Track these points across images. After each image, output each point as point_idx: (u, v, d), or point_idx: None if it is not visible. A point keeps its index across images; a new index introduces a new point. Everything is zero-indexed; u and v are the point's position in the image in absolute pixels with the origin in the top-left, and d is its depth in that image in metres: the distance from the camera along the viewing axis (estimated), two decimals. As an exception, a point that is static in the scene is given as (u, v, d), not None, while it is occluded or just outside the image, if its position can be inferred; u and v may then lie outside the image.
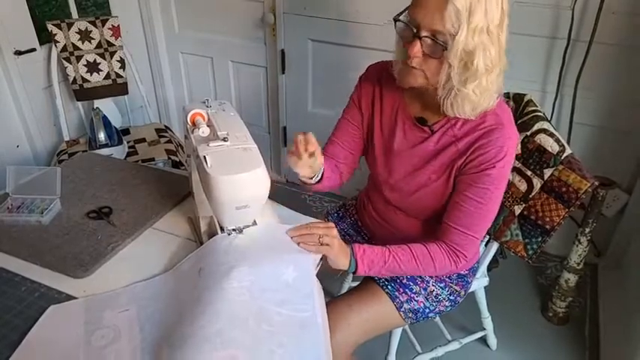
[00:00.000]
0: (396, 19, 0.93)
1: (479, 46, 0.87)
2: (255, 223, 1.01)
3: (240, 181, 0.86)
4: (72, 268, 0.97)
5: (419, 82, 0.94)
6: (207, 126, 1.01)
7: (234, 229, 0.95)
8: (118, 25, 2.05)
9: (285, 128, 2.45)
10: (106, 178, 1.29)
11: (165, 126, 2.26)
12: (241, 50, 2.33)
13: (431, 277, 1.16)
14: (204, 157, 0.89)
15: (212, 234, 1.00)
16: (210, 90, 2.56)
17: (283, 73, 2.28)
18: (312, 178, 1.09)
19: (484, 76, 0.91)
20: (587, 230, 1.60)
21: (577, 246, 1.65)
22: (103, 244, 1.05)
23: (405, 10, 0.92)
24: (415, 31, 0.88)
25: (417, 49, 0.89)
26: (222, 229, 0.96)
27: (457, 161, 1.01)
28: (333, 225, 0.97)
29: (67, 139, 2.04)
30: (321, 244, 0.94)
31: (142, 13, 2.42)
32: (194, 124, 1.03)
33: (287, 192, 2.54)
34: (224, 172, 0.86)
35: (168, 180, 1.29)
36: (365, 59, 2.13)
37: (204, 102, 1.11)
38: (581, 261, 1.67)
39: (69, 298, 0.91)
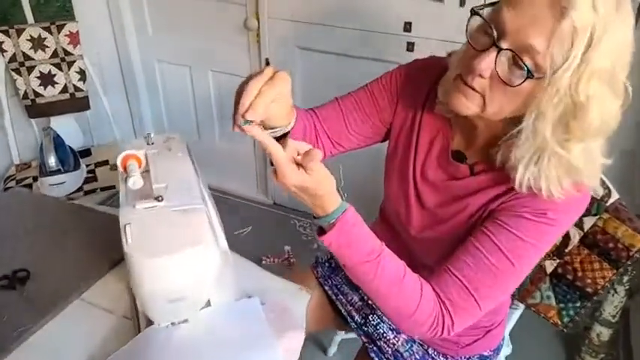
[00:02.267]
0: (475, 12, 0.66)
1: (597, 96, 0.61)
2: (208, 303, 0.74)
3: (170, 266, 0.59)
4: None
5: (470, 108, 0.68)
6: (143, 174, 0.75)
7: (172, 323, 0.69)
8: (77, 32, 1.79)
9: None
10: (31, 226, 1.02)
11: (149, 133, 1.99)
12: (222, 58, 2.10)
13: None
14: (125, 227, 0.62)
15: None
16: (190, 102, 2.30)
17: (269, 84, 2.01)
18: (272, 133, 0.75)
19: (592, 138, 0.65)
20: (626, 279, 1.34)
21: (612, 296, 1.39)
22: (7, 329, 0.79)
23: (492, 4, 0.65)
24: (496, 36, 0.62)
25: (488, 61, 0.62)
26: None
27: (494, 202, 0.76)
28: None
29: (16, 162, 1.78)
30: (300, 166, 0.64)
31: (111, 17, 2.16)
32: (125, 171, 0.77)
33: (274, 216, 2.28)
34: (148, 251, 0.59)
35: (112, 228, 1.02)
36: (361, 70, 1.86)
37: (145, 137, 0.85)
38: (617, 313, 1.41)
39: None
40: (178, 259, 0.59)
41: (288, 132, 0.76)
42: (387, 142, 0.95)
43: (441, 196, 0.84)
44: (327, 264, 1.18)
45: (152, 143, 0.84)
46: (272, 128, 0.74)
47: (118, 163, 0.78)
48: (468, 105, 0.68)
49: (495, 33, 0.62)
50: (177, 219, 0.64)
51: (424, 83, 0.86)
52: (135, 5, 2.15)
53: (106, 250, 0.94)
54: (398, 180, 0.91)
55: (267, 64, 1.99)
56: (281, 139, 0.81)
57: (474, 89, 0.66)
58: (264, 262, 1.98)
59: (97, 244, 0.97)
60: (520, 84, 0.62)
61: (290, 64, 1.93)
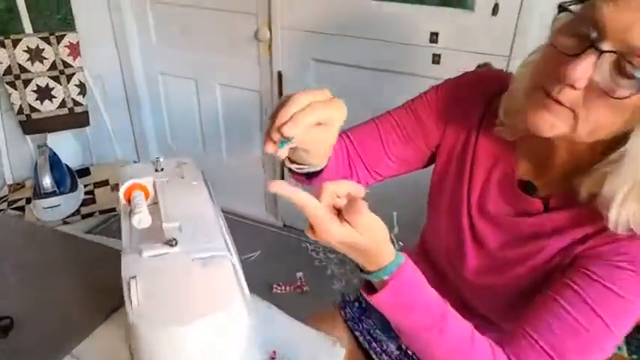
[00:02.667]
0: (564, 7, 0.53)
1: None
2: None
3: (189, 337, 0.45)
4: None
5: (556, 128, 0.55)
6: (150, 207, 0.61)
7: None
8: (77, 42, 1.67)
9: (282, 164, 2.05)
10: (19, 260, 0.88)
11: (158, 158, 1.86)
12: (230, 71, 1.98)
13: None
14: (129, 282, 0.48)
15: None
16: (195, 118, 2.18)
17: (280, 98, 1.89)
18: (300, 168, 0.64)
19: None
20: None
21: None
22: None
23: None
24: (595, 36, 0.49)
25: (584, 67, 0.49)
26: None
27: (577, 248, 0.62)
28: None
29: (9, 182, 1.64)
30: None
31: (114, 28, 2.05)
32: (129, 204, 0.64)
33: (284, 239, 2.13)
34: (160, 319, 0.45)
35: (111, 265, 0.88)
36: (382, 85, 1.70)
37: (154, 162, 0.71)
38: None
39: None
40: (200, 327, 0.45)
41: (319, 170, 0.64)
42: (432, 166, 0.82)
43: (505, 235, 0.70)
44: (356, 303, 1.03)
45: (161, 169, 0.71)
46: (300, 164, 0.62)
47: (121, 194, 0.65)
48: (553, 123, 0.54)
49: (595, 33, 0.49)
50: (197, 272, 0.50)
51: (479, 100, 0.73)
52: (139, 15, 2.05)
53: (103, 294, 0.79)
54: (448, 212, 0.77)
55: (280, 76, 1.88)
56: (311, 177, 0.68)
57: (561, 104, 0.53)
58: (275, 290, 1.83)
59: (91, 285, 0.82)
60: (628, 96, 0.49)
61: (304, 77, 1.81)
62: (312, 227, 0.52)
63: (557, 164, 0.64)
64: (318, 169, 0.65)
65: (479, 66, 1.50)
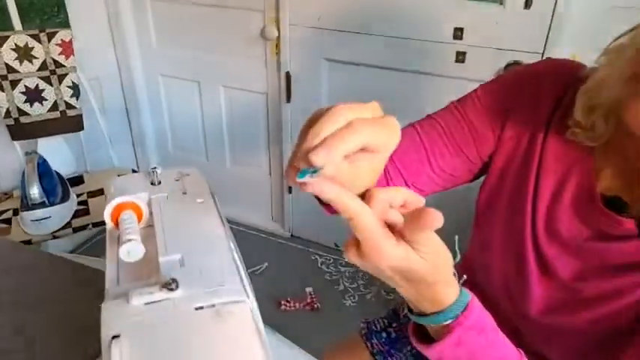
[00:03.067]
0: None
1: None
2: None
3: None
4: None
5: None
6: (146, 229, 0.48)
7: None
8: (70, 40, 1.54)
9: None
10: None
11: (134, 171, 1.74)
12: (235, 73, 1.86)
13: None
14: (110, 343, 0.35)
15: None
16: (198, 122, 2.06)
17: (289, 101, 1.78)
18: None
19: None
20: None
21: None
22: None
23: None
24: None
25: None
26: None
27: None
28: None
29: (-5, 191, 1.51)
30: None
31: (111, 26, 1.94)
32: (117, 227, 0.51)
33: (292, 251, 2.00)
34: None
35: (100, 295, 0.75)
36: (400, 86, 1.54)
37: (150, 172, 0.58)
38: None
39: None
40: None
41: None
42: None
43: (583, 264, 0.57)
44: (384, 333, 0.90)
45: (159, 182, 0.57)
46: None
47: (107, 216, 0.52)
48: None
49: None
50: (205, 326, 0.37)
51: (546, 96, 0.60)
52: (138, 14, 1.93)
53: (84, 333, 0.66)
54: (505, 233, 0.64)
55: (288, 78, 1.75)
56: None
57: None
58: (283, 307, 1.69)
59: (72, 320, 0.69)
60: None
61: (315, 79, 1.68)
62: (356, 245, 0.38)
63: None
64: None
65: (508, 64, 1.38)
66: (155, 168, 0.58)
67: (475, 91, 0.67)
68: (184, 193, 0.55)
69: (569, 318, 0.58)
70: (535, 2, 1.27)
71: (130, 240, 0.46)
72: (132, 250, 0.45)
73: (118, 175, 0.88)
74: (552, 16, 1.26)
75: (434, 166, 0.65)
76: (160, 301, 0.39)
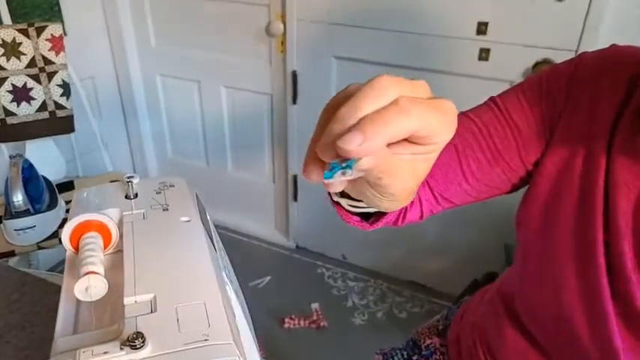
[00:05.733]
0: None
1: None
2: None
3: None
4: None
5: None
6: (113, 256, 0.37)
7: None
8: (61, 35, 1.44)
9: (295, 177, 1.82)
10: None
11: (130, 177, 1.62)
12: (238, 72, 1.76)
13: None
14: None
15: None
16: (198, 124, 1.95)
17: (295, 102, 1.68)
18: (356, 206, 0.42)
19: None
20: None
21: None
22: None
23: None
24: None
25: None
26: None
27: None
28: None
29: (-22, 198, 1.40)
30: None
31: (107, 22, 1.85)
32: (77, 253, 0.39)
33: (297, 263, 1.88)
34: None
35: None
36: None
37: (126, 182, 0.47)
38: None
39: None
40: None
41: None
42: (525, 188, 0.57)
43: None
44: (404, 352, 0.78)
45: (135, 196, 0.46)
46: (355, 200, 0.41)
47: (65, 239, 0.40)
48: None
49: None
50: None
51: (610, 93, 0.48)
52: (135, 10, 1.84)
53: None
54: (573, 265, 0.51)
55: (295, 77, 1.65)
56: (366, 217, 0.45)
57: None
58: (287, 325, 1.57)
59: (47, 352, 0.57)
60: None
61: (324, 78, 1.58)
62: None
63: None
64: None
65: (537, 63, 1.26)
66: (132, 177, 0.47)
67: (521, 84, 0.55)
68: (165, 210, 0.43)
69: None
70: (569, -7, 1.15)
71: (89, 272, 0.34)
72: (91, 287, 0.34)
73: (112, 182, 0.76)
74: (588, 10, 1.15)
75: (467, 176, 0.54)
76: (120, 368, 0.27)
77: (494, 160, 0.54)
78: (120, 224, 0.42)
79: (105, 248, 0.41)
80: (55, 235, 1.32)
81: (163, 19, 1.82)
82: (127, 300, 0.33)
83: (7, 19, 1.53)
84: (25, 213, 1.25)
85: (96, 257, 0.37)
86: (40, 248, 1.29)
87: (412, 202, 0.55)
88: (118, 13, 1.82)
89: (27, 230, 1.26)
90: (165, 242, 0.40)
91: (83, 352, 0.29)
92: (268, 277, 1.77)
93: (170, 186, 0.47)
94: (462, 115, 0.56)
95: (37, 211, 1.27)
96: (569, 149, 0.50)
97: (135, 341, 0.29)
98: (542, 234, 0.54)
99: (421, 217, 0.58)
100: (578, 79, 0.50)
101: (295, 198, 1.86)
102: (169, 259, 0.38)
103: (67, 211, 1.40)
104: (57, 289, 0.59)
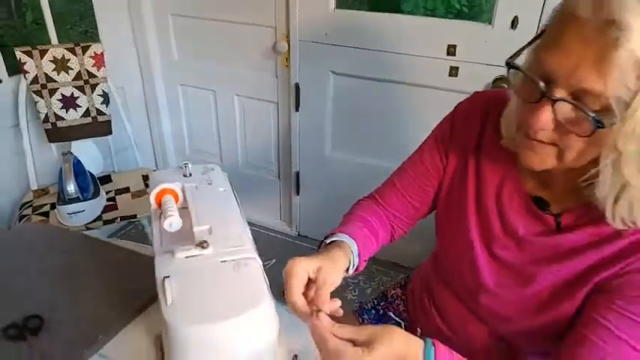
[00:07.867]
0: (510, 64, 0.57)
1: None
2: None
3: (223, 335, 0.47)
4: None
5: (545, 163, 0.58)
6: (181, 211, 0.63)
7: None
8: (102, 53, 1.71)
9: (298, 174, 2.08)
10: (44, 265, 0.91)
11: (186, 163, 1.89)
12: (248, 83, 2.01)
13: None
14: (163, 281, 0.50)
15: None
16: (213, 128, 2.21)
17: (297, 110, 1.93)
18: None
19: None
20: None
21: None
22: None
23: (525, 47, 0.56)
24: (544, 88, 0.52)
25: (544, 118, 0.53)
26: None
27: (598, 273, 0.61)
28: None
29: (34, 187, 1.68)
30: None
31: (135, 40, 2.11)
32: (160, 208, 0.66)
33: (299, 249, 2.14)
34: (195, 316, 0.47)
35: (137, 268, 0.90)
36: (400, 97, 1.72)
37: (182, 167, 0.74)
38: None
39: None
40: (233, 325, 0.46)
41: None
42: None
43: (525, 256, 0.71)
44: (373, 311, 1.04)
45: (189, 175, 0.73)
46: None
47: (152, 199, 0.67)
48: (542, 159, 0.58)
49: (542, 84, 0.52)
50: (228, 273, 0.52)
51: (474, 122, 0.76)
52: (160, 29, 2.09)
53: (129, 295, 0.81)
54: (463, 232, 0.78)
55: (297, 88, 1.91)
56: None
57: (542, 142, 0.56)
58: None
59: (118, 287, 0.84)
60: (591, 134, 0.51)
61: (322, 89, 1.83)
62: None
63: (557, 179, 0.65)
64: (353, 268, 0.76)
65: (496, 79, 1.52)
66: (187, 163, 0.74)
67: (429, 136, 0.83)
68: (210, 184, 0.70)
69: (507, 308, 0.72)
70: (520, 23, 1.41)
71: (172, 215, 0.61)
72: (173, 223, 0.61)
73: (143, 176, 1.00)
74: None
75: (414, 204, 0.84)
76: (196, 255, 0.54)
77: (425, 191, 0.83)
78: (183, 191, 0.69)
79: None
80: (99, 218, 1.59)
81: (184, 37, 2.06)
82: (195, 228, 0.60)
83: (54, 39, 1.80)
84: (76, 200, 1.52)
85: (174, 208, 0.64)
86: (87, 229, 1.56)
87: (394, 232, 0.88)
88: (145, 32, 2.07)
89: (78, 214, 1.53)
90: (211, 202, 0.67)
91: (178, 249, 0.56)
92: (274, 260, 2.04)
93: (211, 170, 0.74)
94: (401, 169, 0.86)
95: (85, 199, 1.55)
96: (456, 158, 0.78)
97: (203, 244, 0.56)
98: (445, 215, 0.81)
99: (404, 233, 0.89)
100: (456, 121, 0.78)
101: (297, 192, 2.12)
102: (215, 210, 0.65)
103: (108, 199, 1.68)
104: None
